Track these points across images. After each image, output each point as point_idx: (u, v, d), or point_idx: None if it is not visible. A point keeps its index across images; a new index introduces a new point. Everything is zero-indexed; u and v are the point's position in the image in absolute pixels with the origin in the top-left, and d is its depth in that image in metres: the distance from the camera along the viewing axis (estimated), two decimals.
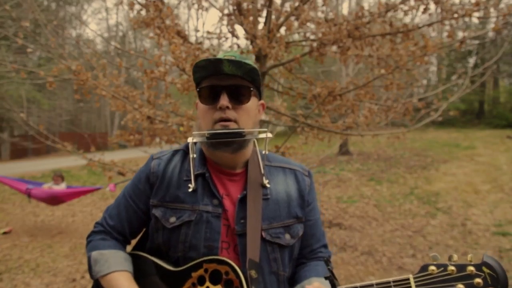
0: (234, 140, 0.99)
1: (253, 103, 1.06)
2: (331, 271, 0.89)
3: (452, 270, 0.82)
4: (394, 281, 0.85)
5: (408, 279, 0.84)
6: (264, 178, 1.09)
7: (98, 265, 1.05)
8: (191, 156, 1.08)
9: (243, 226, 1.02)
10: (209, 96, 1.02)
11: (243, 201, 1.04)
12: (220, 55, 1.01)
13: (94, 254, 1.08)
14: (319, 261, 1.13)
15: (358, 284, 0.86)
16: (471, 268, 0.81)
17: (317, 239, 1.16)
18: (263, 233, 1.02)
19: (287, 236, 1.06)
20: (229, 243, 1.03)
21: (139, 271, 1.08)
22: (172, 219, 1.04)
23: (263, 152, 1.11)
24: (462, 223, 5.71)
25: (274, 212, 1.06)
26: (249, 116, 1.04)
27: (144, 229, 1.19)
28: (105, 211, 1.18)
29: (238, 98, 1.02)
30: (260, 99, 1.13)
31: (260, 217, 1.03)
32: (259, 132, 1.04)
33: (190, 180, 1.06)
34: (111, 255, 1.07)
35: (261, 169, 1.10)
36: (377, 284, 0.86)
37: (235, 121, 1.01)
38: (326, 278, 0.90)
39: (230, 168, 1.09)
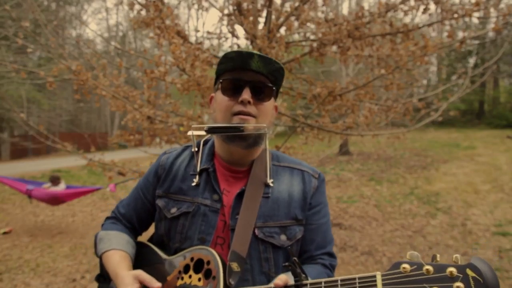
0: (249, 136, 1.00)
1: (271, 102, 1.07)
2: (294, 262, 0.83)
3: (428, 270, 0.70)
4: (359, 278, 0.77)
5: (375, 276, 0.75)
6: (268, 177, 1.07)
7: (101, 243, 1.11)
8: (193, 150, 1.11)
9: (237, 221, 1.02)
10: (231, 88, 1.02)
11: (240, 196, 1.04)
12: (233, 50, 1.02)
13: (101, 233, 1.14)
14: (315, 264, 1.08)
15: (322, 280, 0.81)
16: (452, 269, 0.68)
17: (318, 246, 1.09)
18: (256, 231, 1.01)
19: (283, 237, 1.03)
20: (224, 239, 1.03)
21: (145, 259, 1.12)
22: (173, 210, 1.07)
23: (266, 149, 1.11)
24: (462, 223, 5.71)
25: (271, 211, 1.04)
26: (266, 114, 1.05)
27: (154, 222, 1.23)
28: (120, 201, 1.25)
29: (260, 95, 1.02)
30: (275, 99, 1.12)
31: (256, 214, 1.01)
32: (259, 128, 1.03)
33: (196, 174, 1.09)
34: (114, 236, 1.12)
35: (267, 167, 1.09)
36: (341, 280, 0.79)
37: (255, 117, 1.01)
38: (284, 266, 0.83)
39: (236, 165, 1.09)
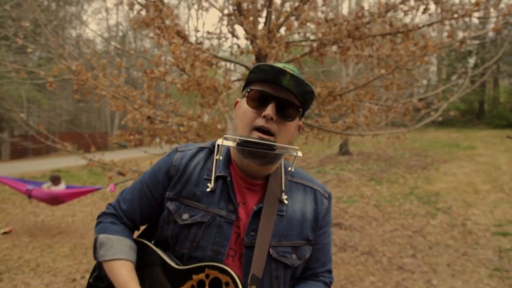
0: (267, 154, 0.97)
1: (295, 122, 1.04)
2: None
3: None
4: None
5: None
6: (283, 193, 1.06)
7: (103, 249, 1.05)
8: (216, 157, 1.06)
9: (253, 238, 1.00)
10: (257, 100, 0.99)
11: (257, 213, 1.02)
12: (279, 65, 0.98)
13: (101, 237, 1.07)
14: (317, 282, 1.11)
15: None
16: None
17: (321, 264, 1.13)
18: (270, 250, 1.01)
19: (294, 257, 1.04)
20: (235, 251, 1.02)
21: (143, 261, 1.08)
22: (185, 216, 1.03)
23: (289, 169, 1.09)
24: (462, 223, 5.72)
25: (285, 231, 1.04)
26: (288, 134, 1.02)
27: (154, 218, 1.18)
28: (120, 194, 1.17)
29: (285, 113, 0.99)
30: (300, 120, 1.10)
31: (271, 232, 1.01)
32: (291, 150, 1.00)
33: (210, 179, 1.05)
34: (117, 241, 1.07)
35: (282, 183, 1.08)
36: None
37: (274, 135, 0.99)
38: None
39: (252, 177, 1.07)
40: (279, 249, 1.02)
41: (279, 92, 0.98)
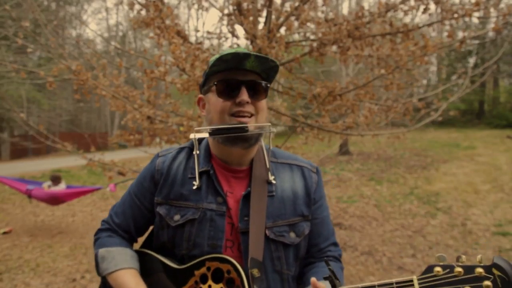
0: (252, 135, 0.99)
1: (265, 99, 1.07)
2: (332, 271, 0.86)
3: (459, 271, 0.76)
4: (397, 283, 0.80)
5: (412, 280, 0.79)
6: (269, 174, 1.07)
7: (105, 262, 1.06)
8: (194, 152, 1.07)
9: (247, 223, 1.00)
10: (227, 90, 1.00)
11: (247, 198, 1.03)
12: (228, 51, 1.00)
13: (101, 251, 1.08)
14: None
15: (360, 285, 0.83)
16: (480, 270, 0.75)
17: (325, 238, 1.13)
18: (267, 231, 1.01)
19: (292, 235, 1.04)
20: (233, 242, 1.02)
21: (145, 269, 1.09)
22: (176, 217, 1.03)
23: (268, 148, 1.10)
24: (462, 223, 5.72)
25: (279, 210, 1.04)
26: (263, 111, 1.04)
27: (150, 227, 1.19)
28: (111, 209, 1.19)
29: (256, 93, 1.01)
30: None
31: (265, 214, 1.01)
32: (263, 127, 1.03)
33: (195, 177, 1.05)
34: (117, 253, 1.07)
35: (266, 165, 1.08)
36: (379, 285, 0.81)
37: (253, 115, 1.01)
38: (325, 278, 0.88)
39: (235, 165, 1.07)
40: (275, 229, 1.02)
41: (244, 75, 1.00)
